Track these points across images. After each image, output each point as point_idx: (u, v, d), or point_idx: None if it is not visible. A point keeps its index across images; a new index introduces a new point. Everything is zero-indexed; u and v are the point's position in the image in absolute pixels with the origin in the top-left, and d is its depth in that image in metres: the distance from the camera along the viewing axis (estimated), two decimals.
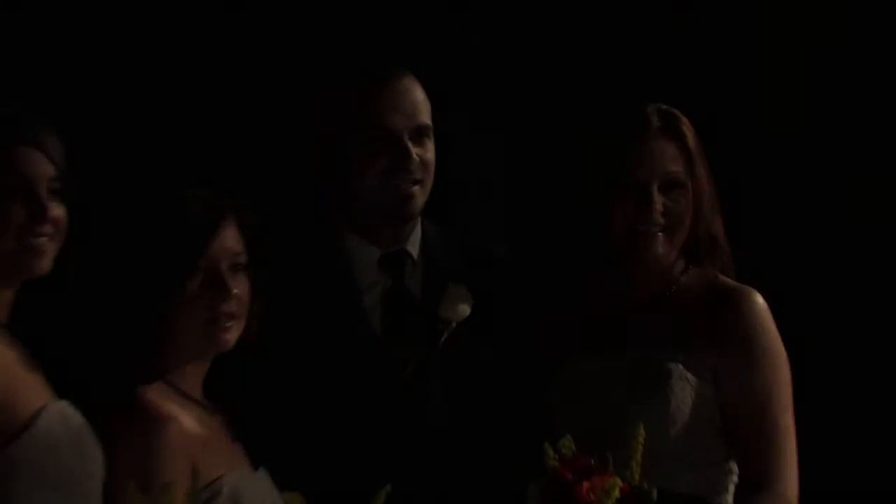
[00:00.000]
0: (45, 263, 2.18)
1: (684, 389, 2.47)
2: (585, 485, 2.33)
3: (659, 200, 2.45)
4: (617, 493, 2.30)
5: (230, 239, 2.30)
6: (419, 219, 2.69)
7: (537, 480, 2.41)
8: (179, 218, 2.31)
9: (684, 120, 2.54)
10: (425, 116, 2.60)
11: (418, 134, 2.56)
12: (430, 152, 2.57)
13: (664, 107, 2.53)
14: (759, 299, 2.57)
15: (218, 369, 2.41)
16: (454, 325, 2.64)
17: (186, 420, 2.29)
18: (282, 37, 4.19)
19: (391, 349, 2.58)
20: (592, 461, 2.38)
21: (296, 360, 2.50)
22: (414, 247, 2.65)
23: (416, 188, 2.54)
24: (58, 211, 2.17)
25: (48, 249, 2.17)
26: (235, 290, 2.30)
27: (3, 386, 2.12)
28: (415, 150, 2.53)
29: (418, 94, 2.56)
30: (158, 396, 2.29)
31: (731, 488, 2.55)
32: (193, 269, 2.27)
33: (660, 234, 2.49)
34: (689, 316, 2.55)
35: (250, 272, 2.37)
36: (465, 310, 2.64)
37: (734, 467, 2.56)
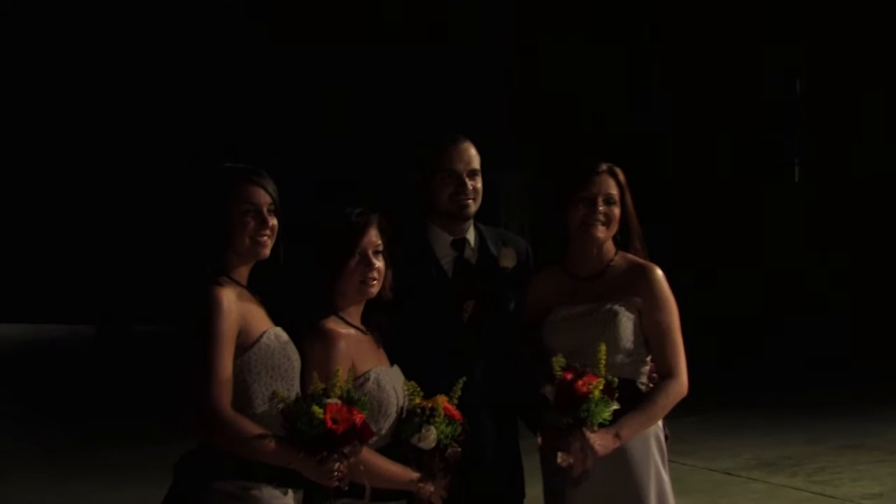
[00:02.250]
0: (267, 252, 2.97)
1: (626, 321, 3.38)
2: (580, 382, 3.16)
3: (601, 207, 3.41)
4: (601, 385, 3.15)
5: (373, 235, 3.13)
6: (472, 221, 3.57)
7: (549, 382, 3.21)
8: (345, 223, 3.13)
9: (619, 169, 3.47)
10: (476, 163, 3.51)
11: (472, 174, 3.51)
12: (479, 184, 3.52)
13: (607, 162, 3.48)
14: (659, 270, 3.44)
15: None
16: (509, 269, 3.57)
17: (349, 337, 3.07)
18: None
19: (457, 293, 3.50)
20: (577, 367, 3.19)
21: (409, 301, 3.32)
22: (470, 236, 3.57)
23: (471, 202, 3.50)
24: (273, 221, 2.97)
25: (268, 243, 2.97)
26: (377, 265, 3.11)
27: (245, 318, 2.89)
28: (469, 183, 3.49)
29: (472, 151, 3.53)
30: (333, 324, 3.09)
31: (645, 371, 3.42)
32: (353, 253, 3.10)
33: (600, 226, 3.41)
34: (620, 280, 3.44)
35: (385, 254, 3.16)
36: (513, 261, 3.57)
37: (649, 360, 3.43)
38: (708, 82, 14.48)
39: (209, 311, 2.84)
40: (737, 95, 14.20)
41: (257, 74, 18.44)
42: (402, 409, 3.12)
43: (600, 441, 3.19)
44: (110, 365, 15.48)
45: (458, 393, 3.12)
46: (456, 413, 3.11)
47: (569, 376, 3.18)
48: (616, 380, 3.21)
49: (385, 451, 3.07)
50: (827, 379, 11.57)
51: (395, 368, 3.21)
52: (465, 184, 3.52)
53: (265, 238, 2.99)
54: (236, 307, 2.89)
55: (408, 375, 3.19)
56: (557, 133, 15.38)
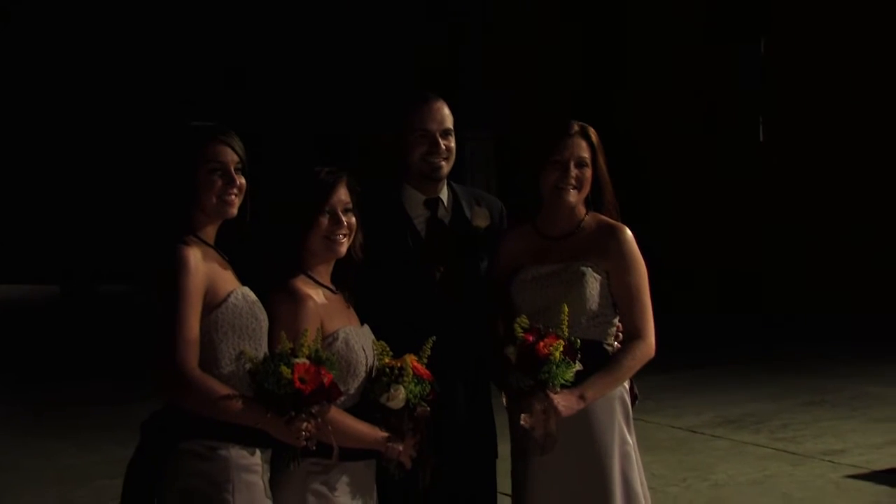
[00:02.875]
0: (234, 210, 2.96)
1: (593, 282, 3.37)
2: (541, 343, 3.15)
3: (573, 171, 3.39)
4: (561, 347, 3.13)
5: (342, 193, 3.12)
6: (446, 180, 3.56)
7: (512, 343, 3.21)
8: (315, 181, 3.11)
9: (592, 129, 3.44)
10: (449, 123, 3.50)
11: (445, 134, 3.49)
12: (452, 143, 3.51)
13: (580, 122, 3.45)
14: (628, 231, 3.44)
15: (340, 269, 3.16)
16: (482, 229, 3.57)
17: (318, 297, 3.06)
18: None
19: (430, 253, 3.50)
20: (540, 328, 3.19)
21: (380, 260, 3.31)
22: (444, 195, 3.57)
23: (444, 163, 3.50)
24: (241, 180, 2.95)
25: (235, 202, 2.96)
26: (346, 222, 3.10)
27: (212, 278, 2.88)
28: (443, 143, 3.48)
29: (446, 110, 3.51)
30: (302, 283, 3.08)
31: (612, 332, 3.42)
32: (322, 210, 3.08)
33: (572, 190, 3.40)
34: (589, 241, 3.43)
35: (355, 212, 3.15)
36: (487, 221, 3.58)
37: (616, 321, 3.42)
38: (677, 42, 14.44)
39: (175, 270, 2.82)
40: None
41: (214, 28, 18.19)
42: (371, 368, 3.12)
43: (564, 402, 3.19)
44: (76, 325, 15.35)
45: (428, 352, 3.13)
46: (425, 372, 3.11)
47: (530, 338, 3.18)
48: (578, 341, 3.21)
49: (354, 410, 3.07)
50: (790, 335, 11.70)
51: (365, 328, 3.21)
52: (438, 143, 3.51)
53: (232, 197, 2.99)
54: (203, 266, 2.88)
55: (378, 335, 3.19)
56: (526, 88, 15.31)
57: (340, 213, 3.13)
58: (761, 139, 14.22)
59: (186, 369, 2.79)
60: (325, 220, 3.12)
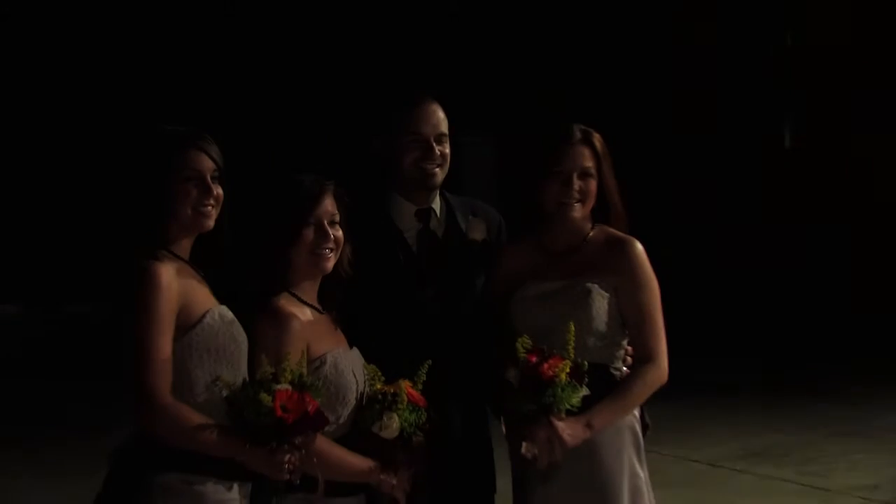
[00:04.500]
0: (211, 223, 2.97)
1: (600, 300, 3.38)
2: (545, 365, 3.17)
3: (577, 183, 3.39)
4: (567, 369, 3.16)
5: (328, 204, 3.14)
6: (439, 189, 3.57)
7: (514, 365, 3.22)
8: (297, 191, 3.12)
9: (596, 134, 3.45)
10: (444, 127, 3.52)
11: (440, 138, 3.51)
12: (447, 149, 3.52)
13: (583, 126, 3.46)
14: (639, 245, 3.45)
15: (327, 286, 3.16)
16: (479, 243, 3.58)
17: (303, 317, 3.07)
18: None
19: (422, 269, 3.51)
20: (544, 349, 3.21)
21: (370, 277, 3.32)
22: (436, 206, 3.59)
23: (438, 170, 3.51)
24: (218, 190, 2.96)
25: (212, 214, 2.96)
26: (333, 236, 3.12)
27: (186, 296, 2.88)
28: (437, 148, 3.49)
29: (440, 113, 3.52)
30: (285, 301, 3.09)
31: (621, 355, 3.43)
32: (307, 223, 3.10)
33: (576, 204, 3.41)
34: (597, 256, 3.45)
35: (342, 225, 3.17)
36: (484, 234, 3.61)
37: (625, 343, 3.44)
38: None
39: (146, 288, 2.83)
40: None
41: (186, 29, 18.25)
42: (361, 395, 3.15)
43: (569, 430, 3.21)
44: (39, 346, 15.32)
45: (423, 377, 3.15)
46: (420, 399, 3.14)
47: (533, 359, 3.21)
48: (586, 363, 3.23)
49: (344, 440, 3.10)
50: (820, 356, 11.67)
51: (355, 351, 3.24)
52: (431, 149, 3.53)
53: (209, 208, 3.00)
54: (176, 283, 2.90)
55: (368, 359, 3.22)
56: (528, 91, 15.32)
57: (327, 226, 3.16)
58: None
59: (157, 396, 2.80)
60: (310, 234, 3.14)
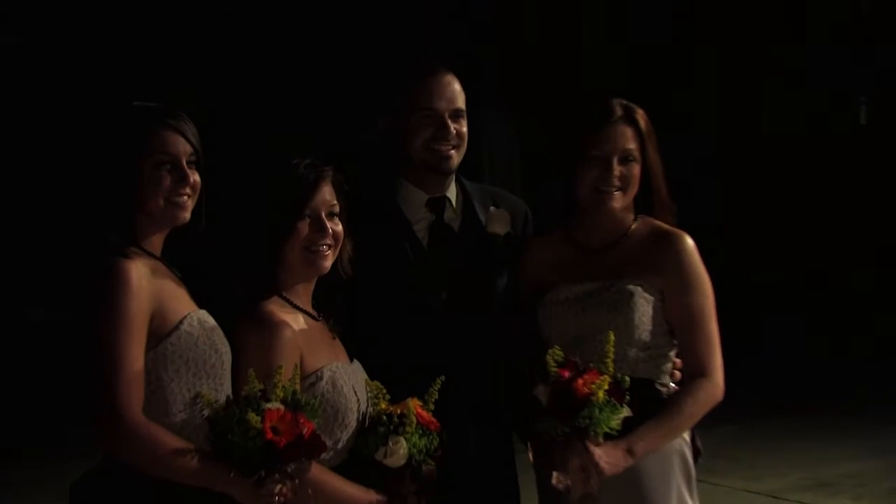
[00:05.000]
0: (187, 215, 2.98)
1: (644, 304, 3.39)
2: (580, 381, 3.17)
3: (617, 168, 3.40)
4: (605, 385, 3.15)
5: (327, 193, 3.15)
6: (455, 175, 3.58)
7: (543, 381, 3.22)
8: (291, 178, 3.12)
9: (640, 111, 3.44)
10: (460, 101, 3.52)
11: (455, 115, 3.51)
12: (464, 127, 3.52)
13: (624, 101, 3.44)
14: (689, 239, 3.45)
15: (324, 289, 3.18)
16: (501, 237, 3.59)
17: (296, 324, 3.08)
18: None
19: (435, 267, 3.52)
20: (578, 362, 3.21)
21: (374, 278, 3.35)
22: (451, 194, 3.59)
23: (453, 151, 3.51)
24: (195, 177, 2.97)
25: (188, 205, 2.97)
26: (331, 230, 3.13)
27: (160, 299, 2.89)
28: (452, 126, 3.49)
29: (456, 86, 3.53)
30: (275, 306, 3.09)
31: (669, 368, 3.44)
32: (301, 214, 3.11)
33: (615, 192, 3.41)
34: (639, 252, 3.46)
35: (342, 217, 3.17)
36: (506, 227, 3.60)
37: (673, 355, 3.44)
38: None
39: (113, 291, 2.84)
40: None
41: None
42: (363, 415, 3.16)
43: (607, 457, 3.20)
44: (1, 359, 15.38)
45: (435, 395, 3.15)
46: (432, 421, 3.14)
47: (566, 373, 3.21)
48: (627, 378, 3.23)
49: (342, 469, 3.10)
50: None
51: (356, 365, 3.25)
52: (446, 126, 3.54)
53: (184, 198, 3.02)
54: (148, 285, 2.91)
55: (371, 374, 3.22)
56: (557, 61, 15.24)
57: (324, 218, 3.17)
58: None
59: (127, 416, 2.81)
60: (304, 227, 3.16)
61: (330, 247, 3.18)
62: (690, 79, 14.51)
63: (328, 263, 3.19)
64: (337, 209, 3.20)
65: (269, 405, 2.86)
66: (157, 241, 3.04)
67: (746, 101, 14.22)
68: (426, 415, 3.13)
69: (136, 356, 2.85)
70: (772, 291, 13.93)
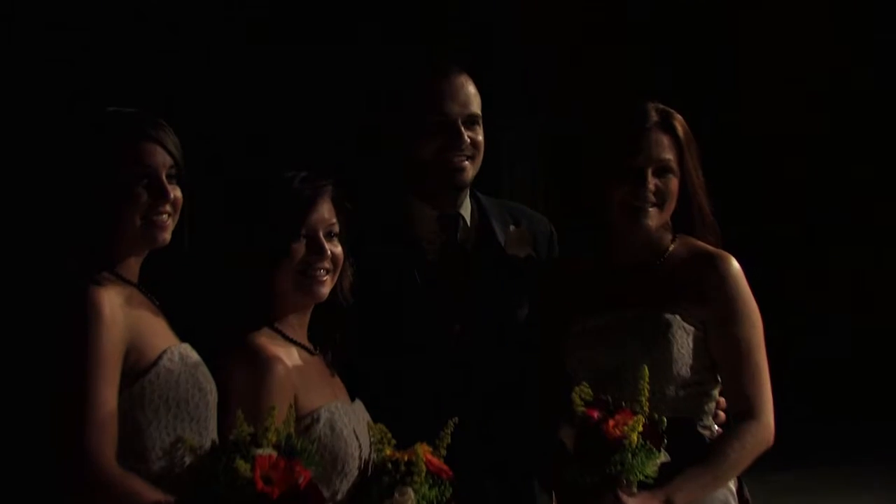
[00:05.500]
0: (166, 236, 3.01)
1: (683, 336, 3.42)
2: (611, 422, 3.19)
3: (652, 182, 3.42)
4: (640, 427, 3.16)
5: (325, 210, 3.19)
6: (469, 189, 3.62)
7: (569, 422, 3.25)
8: (285, 194, 3.16)
9: (678, 116, 3.47)
10: (475, 106, 3.56)
11: (470, 121, 3.55)
12: (479, 135, 3.56)
13: (661, 105, 3.47)
14: (735, 262, 3.47)
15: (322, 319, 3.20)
16: (522, 260, 3.63)
17: (290, 359, 3.11)
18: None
19: (447, 294, 3.56)
20: (609, 400, 3.23)
21: (378, 306, 3.38)
22: (466, 211, 3.63)
23: (467, 162, 3.56)
24: (175, 193, 3.00)
25: (169, 224, 3.01)
26: (330, 252, 3.17)
27: (137, 331, 2.92)
28: (466, 134, 3.52)
29: (471, 88, 3.57)
30: (266, 340, 3.11)
31: (712, 408, 3.47)
32: (297, 234, 3.14)
33: (650, 209, 3.43)
34: (679, 277, 3.49)
35: (342, 238, 3.21)
36: (528, 247, 3.66)
37: (716, 393, 3.46)
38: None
39: (83, 322, 2.87)
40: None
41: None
42: (366, 463, 3.18)
43: None
44: None
45: (447, 440, 3.15)
46: (443, 469, 3.13)
47: (595, 414, 3.25)
48: (665, 419, 3.25)
49: None
50: None
51: (358, 405, 3.28)
52: (459, 134, 3.59)
53: (164, 216, 3.06)
54: (123, 315, 2.94)
55: (376, 415, 3.24)
56: (583, 63, 15.25)
57: (322, 238, 3.21)
58: None
59: (99, 464, 2.84)
60: (300, 249, 3.19)
61: (328, 271, 3.22)
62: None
63: (326, 290, 3.23)
64: (336, 229, 3.24)
65: (259, 451, 2.87)
66: (133, 266, 3.07)
67: None
68: (437, 461, 3.13)
69: (108, 396, 2.88)
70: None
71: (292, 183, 3.21)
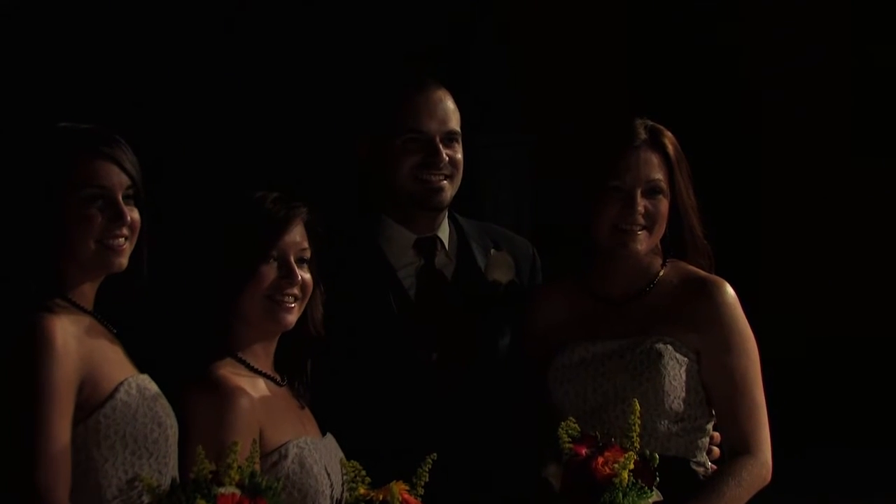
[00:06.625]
0: (123, 261, 2.98)
1: (675, 367, 3.40)
2: (600, 459, 3.16)
3: (641, 203, 3.41)
4: (630, 465, 3.14)
5: (297, 234, 3.16)
6: (448, 210, 3.60)
7: (555, 459, 3.23)
8: (256, 215, 3.13)
9: (668, 134, 3.46)
10: (454, 123, 3.55)
11: (448, 138, 3.53)
12: (458, 153, 3.55)
13: (650, 122, 3.46)
14: (730, 289, 3.48)
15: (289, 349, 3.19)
16: (503, 285, 3.61)
17: (255, 391, 3.08)
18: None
19: (424, 322, 3.53)
20: (597, 436, 3.21)
21: (349, 335, 3.35)
22: (444, 234, 3.61)
23: (445, 182, 3.53)
24: (133, 215, 2.97)
25: (125, 249, 2.98)
26: (300, 278, 3.14)
27: (91, 362, 2.89)
28: (444, 151, 3.51)
29: (449, 104, 3.55)
30: (229, 371, 3.09)
31: (706, 444, 3.44)
32: (266, 257, 3.11)
33: (640, 232, 3.42)
34: (670, 304, 3.48)
35: (313, 263, 3.19)
36: (509, 272, 3.63)
37: (711, 429, 3.44)
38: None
39: (33, 353, 2.83)
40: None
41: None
42: (337, 502, 3.15)
43: None
44: None
45: (425, 477, 3.10)
46: None
47: (583, 451, 3.22)
48: (657, 456, 3.22)
49: None
50: None
51: (329, 439, 3.24)
52: (437, 152, 3.56)
53: (120, 240, 3.01)
54: (77, 345, 2.90)
55: (348, 451, 3.20)
56: (571, 78, 15.27)
57: (293, 263, 3.17)
58: None
59: (49, 500, 2.80)
60: (269, 272, 3.16)
61: (297, 299, 3.19)
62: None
63: (293, 318, 3.19)
64: (308, 255, 3.21)
65: (221, 490, 2.83)
66: (87, 292, 3.03)
67: None
68: (414, 501, 3.09)
69: (60, 431, 2.84)
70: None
71: (264, 203, 3.18)
